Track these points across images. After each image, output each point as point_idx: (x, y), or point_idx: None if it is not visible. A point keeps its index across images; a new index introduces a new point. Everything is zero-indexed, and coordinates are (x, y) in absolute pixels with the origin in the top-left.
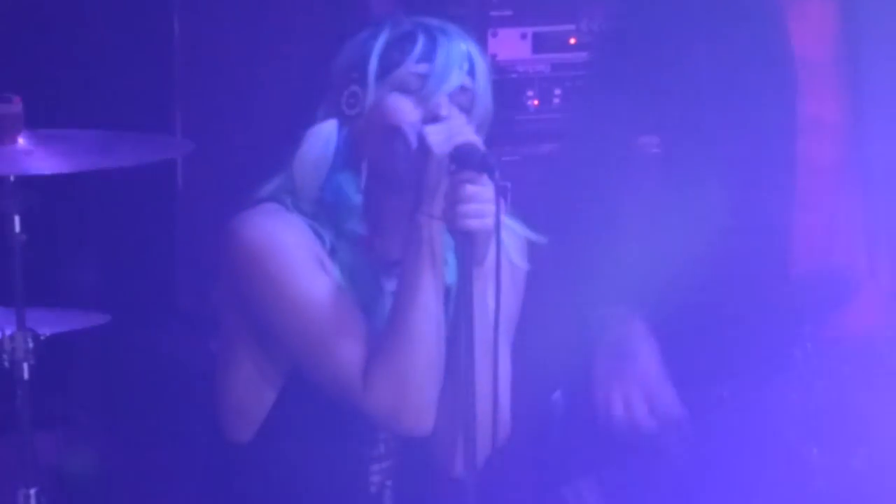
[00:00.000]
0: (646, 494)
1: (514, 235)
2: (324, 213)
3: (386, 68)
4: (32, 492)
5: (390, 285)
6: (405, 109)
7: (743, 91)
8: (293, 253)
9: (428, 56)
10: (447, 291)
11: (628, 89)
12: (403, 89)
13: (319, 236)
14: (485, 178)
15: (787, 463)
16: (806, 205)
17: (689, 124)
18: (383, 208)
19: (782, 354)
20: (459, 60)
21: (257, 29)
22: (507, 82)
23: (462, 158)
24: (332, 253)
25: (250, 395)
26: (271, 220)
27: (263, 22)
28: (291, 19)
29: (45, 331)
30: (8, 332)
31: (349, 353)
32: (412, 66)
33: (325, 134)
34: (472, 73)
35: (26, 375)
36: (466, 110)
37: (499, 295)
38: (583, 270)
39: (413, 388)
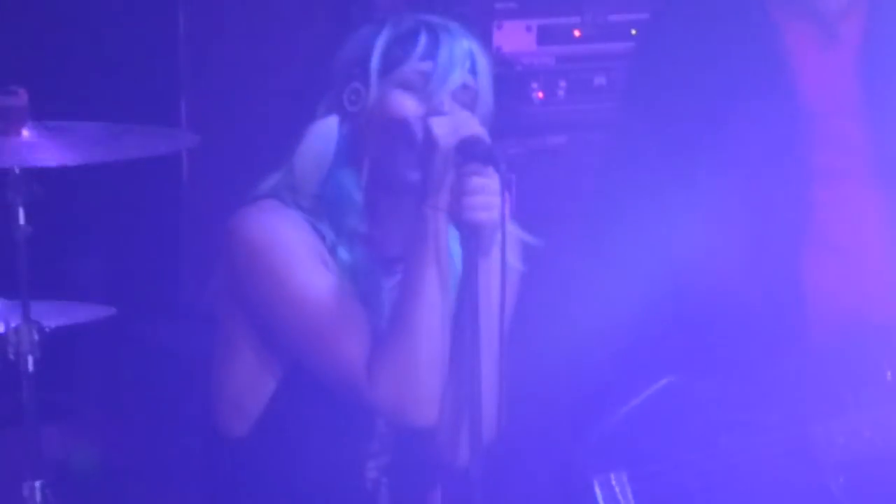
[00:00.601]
0: (675, 490)
1: (510, 237)
2: (323, 209)
3: (388, 65)
4: (37, 484)
5: (390, 281)
6: (409, 108)
7: (750, 103)
8: (294, 249)
9: (431, 54)
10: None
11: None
12: (406, 87)
13: (319, 233)
14: (490, 170)
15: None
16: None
17: (708, 124)
18: (385, 205)
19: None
20: (462, 58)
21: (263, 23)
22: (511, 75)
23: (468, 151)
24: (332, 249)
25: (248, 389)
26: (271, 217)
27: (269, 16)
28: (297, 13)
29: (51, 323)
30: (13, 324)
31: (353, 346)
32: (415, 64)
33: (326, 130)
34: (473, 71)
35: (31, 368)
36: (469, 108)
37: (503, 286)
38: (600, 264)
39: (418, 381)
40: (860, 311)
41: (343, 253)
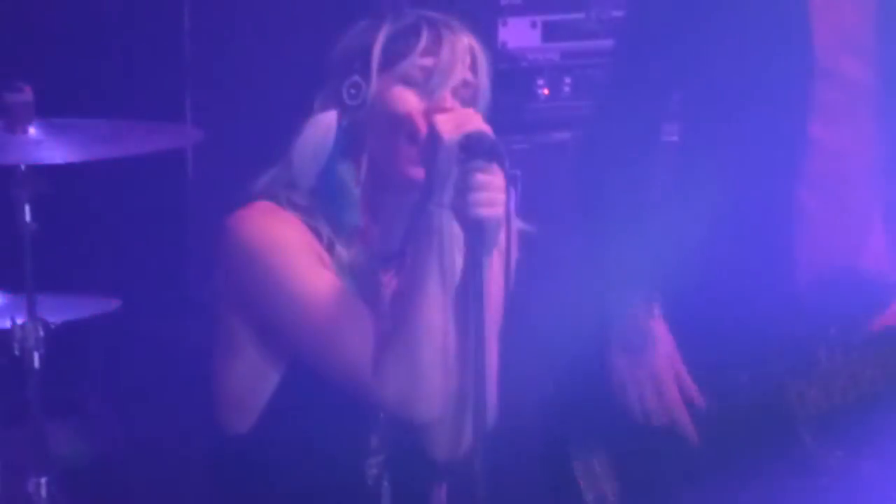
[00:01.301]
0: (656, 472)
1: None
2: (320, 206)
3: (390, 60)
4: (43, 480)
5: (387, 278)
6: (410, 103)
7: (760, 76)
8: (292, 250)
9: (433, 50)
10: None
11: (650, 74)
12: (407, 82)
13: (315, 231)
14: (495, 166)
15: (802, 461)
16: (828, 196)
17: (709, 112)
18: (382, 200)
19: (806, 353)
20: (463, 55)
21: (267, 19)
22: (516, 71)
23: (472, 147)
24: (329, 247)
25: (249, 387)
26: (267, 218)
27: (273, 12)
28: (301, 10)
29: (56, 319)
30: (19, 320)
31: (356, 344)
32: (417, 59)
33: (324, 124)
34: (474, 67)
35: (37, 364)
36: (469, 104)
37: (509, 282)
38: (600, 258)
39: (423, 376)
40: (848, 256)
41: (340, 250)
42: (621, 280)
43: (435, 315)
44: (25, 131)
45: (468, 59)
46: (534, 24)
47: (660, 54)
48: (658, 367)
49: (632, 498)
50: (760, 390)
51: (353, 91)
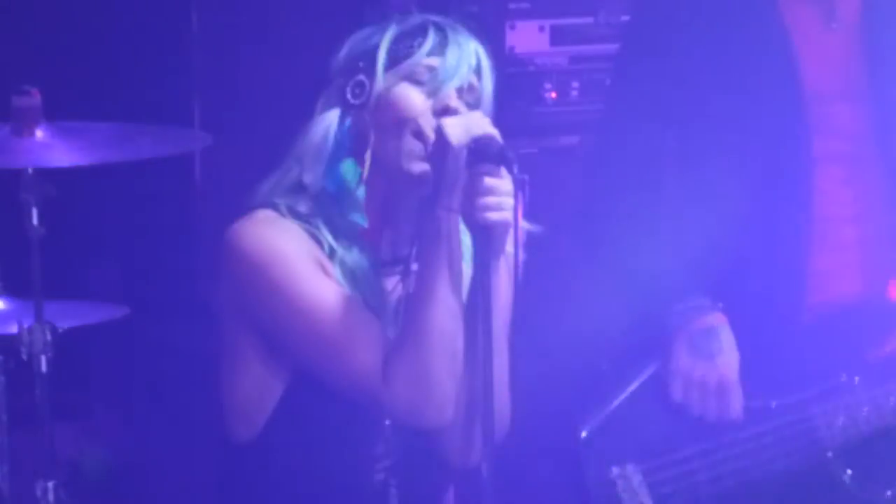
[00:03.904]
0: (688, 481)
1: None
2: (322, 210)
3: (395, 59)
4: (51, 485)
5: (391, 283)
6: (416, 101)
7: (753, 86)
8: (294, 260)
9: (439, 50)
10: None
11: (650, 83)
12: (413, 80)
13: (316, 239)
14: (503, 170)
15: (822, 483)
16: (840, 214)
17: (708, 117)
18: (388, 201)
19: (827, 379)
20: (469, 57)
21: (275, 23)
22: (524, 75)
23: (480, 151)
24: (331, 255)
25: (255, 395)
26: (268, 229)
27: (281, 16)
28: (309, 13)
29: (64, 324)
30: (26, 324)
31: (364, 351)
32: (423, 58)
33: (326, 122)
34: (479, 72)
35: (44, 368)
36: (473, 108)
37: (516, 287)
38: (655, 267)
39: (433, 382)
40: (858, 296)
41: (342, 257)
42: (686, 287)
43: (445, 320)
44: (33, 135)
45: (474, 62)
46: (542, 28)
47: (663, 69)
48: (724, 370)
49: None
50: (789, 417)
51: (357, 90)
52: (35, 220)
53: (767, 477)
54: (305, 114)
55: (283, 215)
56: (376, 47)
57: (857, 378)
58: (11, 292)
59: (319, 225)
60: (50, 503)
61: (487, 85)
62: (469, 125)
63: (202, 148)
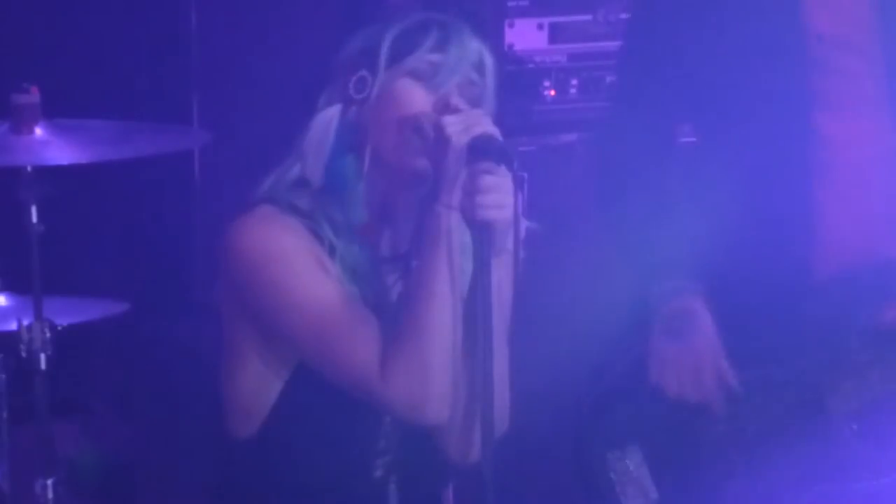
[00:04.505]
0: (687, 463)
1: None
2: (323, 205)
3: (398, 54)
4: (50, 482)
5: (391, 279)
6: (417, 97)
7: (762, 74)
8: (293, 256)
9: (441, 46)
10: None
11: (660, 76)
12: (415, 75)
13: (317, 235)
14: (503, 168)
15: (828, 448)
16: (844, 186)
17: (723, 111)
18: (389, 197)
19: (837, 345)
20: (471, 54)
21: (274, 21)
22: (523, 73)
23: (480, 149)
24: (332, 251)
25: (254, 391)
26: (268, 226)
27: (280, 14)
28: (308, 11)
29: (63, 320)
30: (25, 322)
31: (363, 348)
32: (425, 54)
33: (328, 117)
34: (481, 69)
35: (44, 366)
36: (475, 105)
37: (516, 284)
38: (639, 248)
39: (431, 379)
40: (866, 246)
41: (342, 254)
42: (666, 268)
43: (443, 317)
44: (32, 132)
45: (476, 59)
46: (541, 26)
47: (667, 59)
48: (699, 348)
49: (667, 493)
50: (795, 384)
51: (359, 85)
52: (34, 218)
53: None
54: (304, 112)
55: (283, 211)
56: (379, 43)
57: (866, 342)
58: (11, 290)
59: (320, 221)
60: (49, 500)
61: (489, 82)
62: (469, 123)
63: (201, 146)
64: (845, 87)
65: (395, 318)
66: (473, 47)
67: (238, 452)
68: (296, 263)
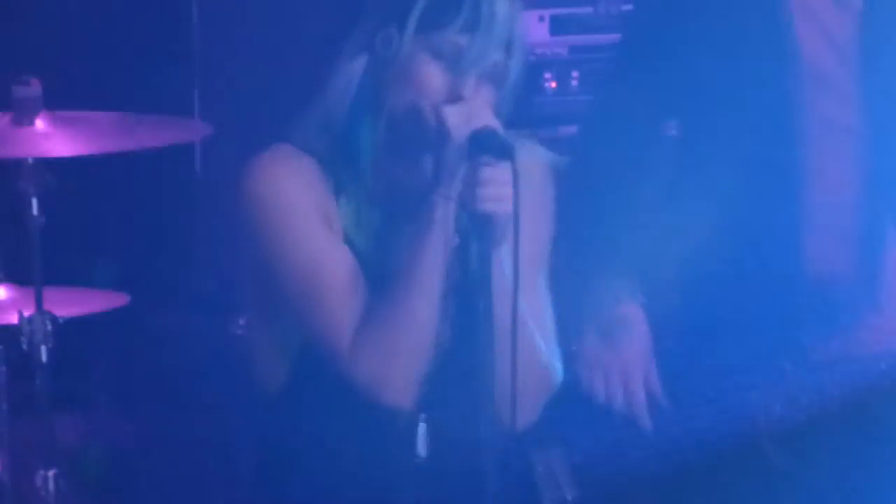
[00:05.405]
0: (613, 468)
1: (534, 156)
2: (338, 150)
3: (425, 25)
4: (51, 473)
5: (395, 229)
6: (432, 80)
7: (756, 77)
8: (296, 205)
9: (470, 26)
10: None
11: (649, 72)
12: (436, 54)
13: (329, 174)
14: (503, 161)
15: (752, 463)
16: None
17: (709, 108)
18: (397, 163)
19: (773, 365)
20: (499, 38)
21: (276, 12)
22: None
23: (481, 142)
24: (339, 193)
25: (275, 345)
26: (278, 167)
27: (282, 5)
28: (310, 3)
29: (65, 311)
30: (26, 314)
31: (339, 317)
32: (452, 35)
33: (353, 68)
34: (509, 49)
35: (45, 358)
36: (495, 83)
37: (517, 274)
38: (588, 246)
39: (398, 363)
40: (846, 254)
41: (349, 198)
42: (609, 268)
43: (421, 307)
44: (33, 124)
45: (504, 39)
46: (541, 18)
47: (660, 57)
48: (629, 356)
49: (590, 499)
50: (726, 400)
51: (385, 41)
52: (35, 210)
53: (698, 456)
54: (306, 104)
55: (299, 150)
56: (412, 5)
57: (801, 366)
58: (12, 282)
59: (334, 163)
60: (50, 493)
61: (515, 63)
62: (470, 115)
63: (202, 138)
64: (831, 96)
65: (391, 271)
66: (503, 28)
67: (269, 408)
68: (296, 213)
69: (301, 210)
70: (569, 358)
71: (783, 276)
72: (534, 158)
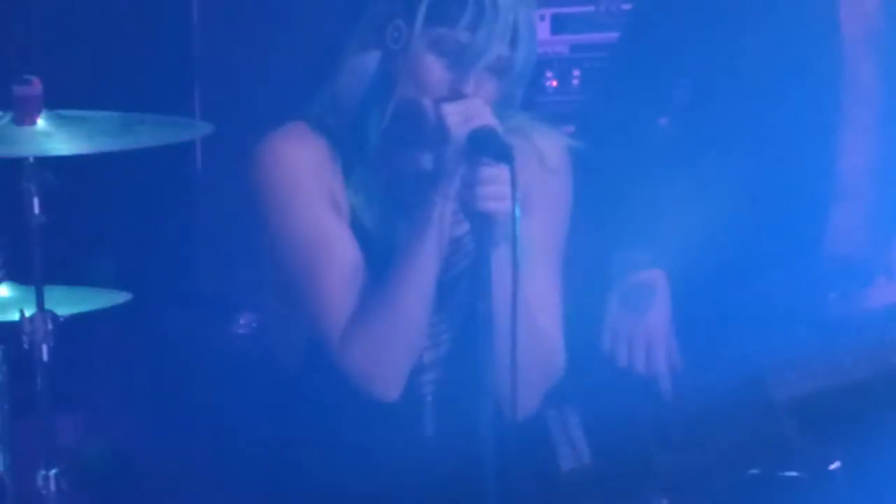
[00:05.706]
0: (624, 427)
1: (552, 138)
2: (350, 130)
3: (431, 19)
4: (52, 473)
5: (398, 216)
6: (434, 77)
7: (762, 70)
8: (304, 187)
9: (474, 24)
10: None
11: (649, 70)
12: (439, 51)
13: (338, 156)
14: (502, 164)
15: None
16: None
17: (711, 104)
18: (400, 156)
19: (787, 334)
20: (502, 34)
21: (276, 12)
22: None
23: (479, 142)
24: (348, 173)
25: (290, 322)
26: (290, 144)
27: (282, 5)
28: (310, 3)
29: (65, 310)
30: (27, 313)
31: (335, 305)
32: (456, 32)
33: (364, 67)
34: (514, 42)
35: (46, 357)
36: (498, 75)
37: (516, 273)
38: (609, 219)
39: (387, 357)
40: (853, 234)
41: (358, 177)
42: (630, 241)
43: (413, 304)
44: (34, 123)
45: (509, 34)
46: (542, 17)
47: (665, 46)
48: (651, 321)
49: (604, 457)
50: (740, 364)
51: (395, 34)
52: (36, 209)
53: (713, 419)
54: (307, 103)
55: (312, 128)
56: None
57: (816, 335)
58: (13, 280)
59: (346, 141)
60: (51, 492)
61: (520, 56)
62: (469, 114)
63: (203, 137)
64: (861, 96)
65: (388, 268)
66: (507, 24)
67: (286, 385)
68: (304, 190)
69: (309, 187)
70: (589, 323)
71: (801, 245)
72: (552, 141)
